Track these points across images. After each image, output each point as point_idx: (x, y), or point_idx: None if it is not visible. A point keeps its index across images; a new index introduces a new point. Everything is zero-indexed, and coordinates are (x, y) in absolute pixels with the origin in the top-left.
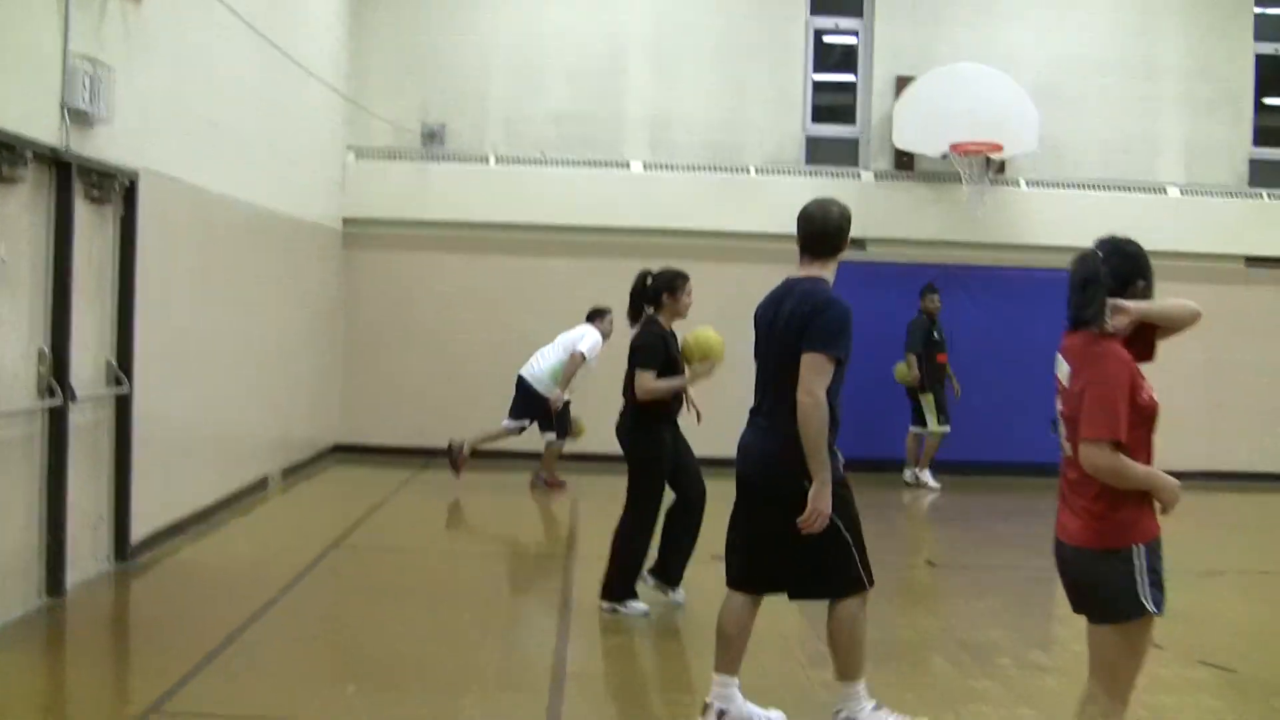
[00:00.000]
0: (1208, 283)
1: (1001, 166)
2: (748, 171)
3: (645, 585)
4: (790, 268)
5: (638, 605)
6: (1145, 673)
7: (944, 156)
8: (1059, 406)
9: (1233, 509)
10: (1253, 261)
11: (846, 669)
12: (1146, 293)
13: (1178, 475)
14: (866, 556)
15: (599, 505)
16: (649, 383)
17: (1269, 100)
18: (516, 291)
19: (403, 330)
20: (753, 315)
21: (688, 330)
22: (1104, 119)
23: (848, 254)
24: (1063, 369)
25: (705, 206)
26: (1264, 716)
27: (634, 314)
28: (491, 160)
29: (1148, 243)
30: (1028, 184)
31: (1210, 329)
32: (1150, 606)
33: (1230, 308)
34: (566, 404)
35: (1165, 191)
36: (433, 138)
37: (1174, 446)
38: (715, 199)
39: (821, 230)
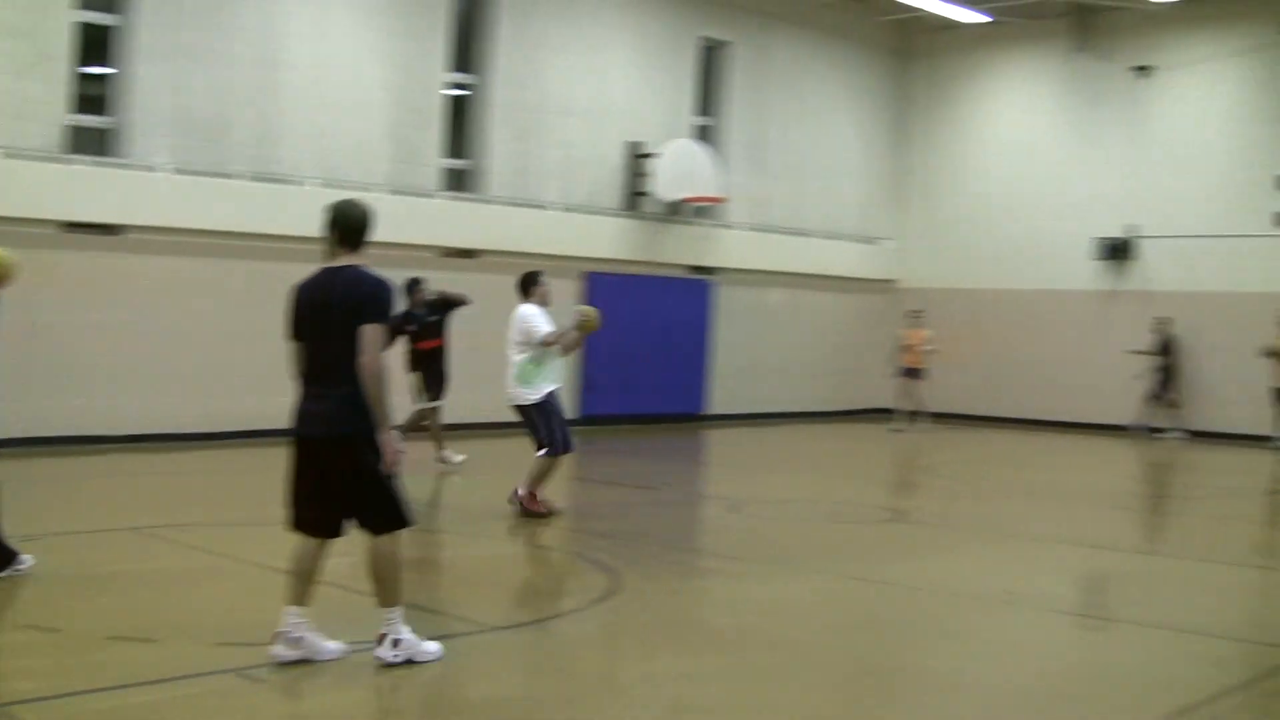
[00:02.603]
0: (22, 247)
1: None
2: None
3: None
4: None
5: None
6: None
7: None
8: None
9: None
10: (71, 227)
11: (391, 596)
12: None
13: None
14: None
15: None
16: None
17: (88, 69)
18: None
19: None
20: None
21: None
22: None
23: None
24: None
25: None
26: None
27: None
28: None
29: None
30: None
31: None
32: None
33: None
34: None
35: None
36: None
37: None
38: None
39: (360, 225)
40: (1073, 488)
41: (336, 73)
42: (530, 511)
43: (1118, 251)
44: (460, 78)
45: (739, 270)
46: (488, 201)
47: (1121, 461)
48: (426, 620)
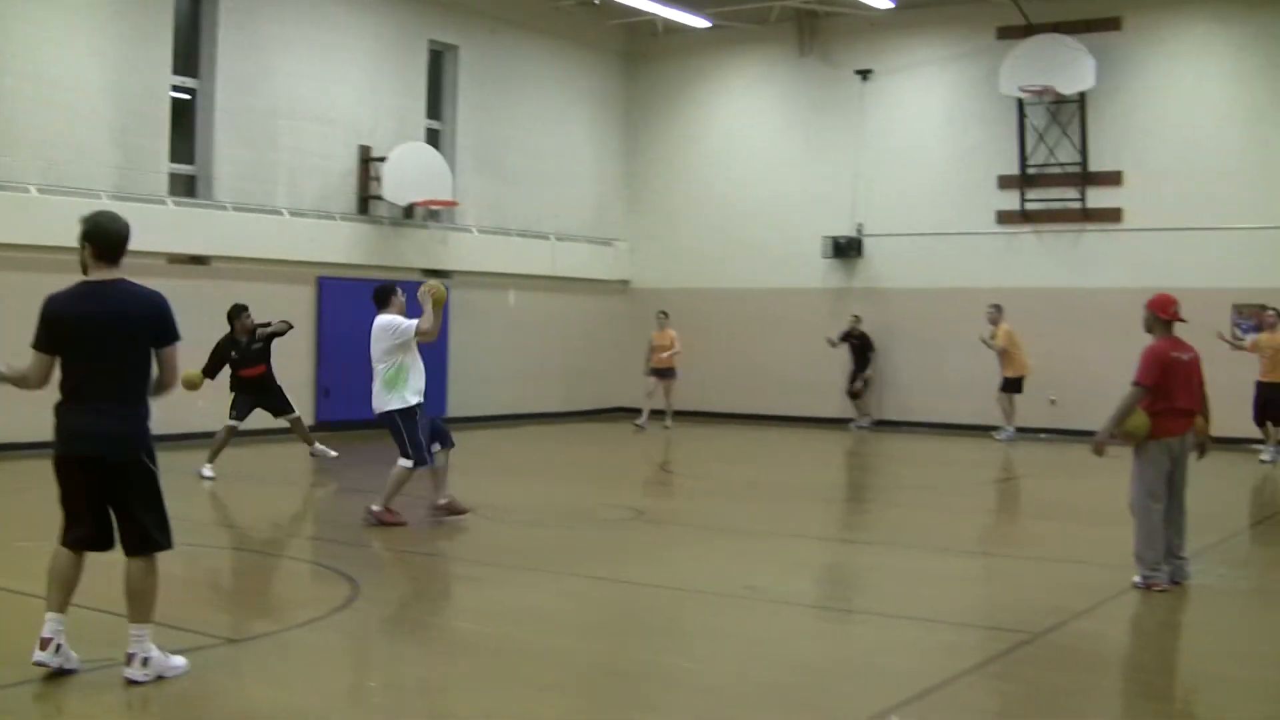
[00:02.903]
0: None
1: None
2: None
3: None
4: None
5: None
6: None
7: None
8: None
9: None
10: None
11: (145, 613)
12: None
13: None
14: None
15: None
16: None
17: None
18: None
19: None
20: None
21: None
22: None
23: None
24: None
25: None
26: None
27: None
28: None
29: None
30: None
31: None
32: None
33: None
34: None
35: None
36: None
37: None
38: None
39: (121, 239)
40: (807, 482)
41: (58, 77)
42: (385, 523)
43: (846, 250)
44: (186, 81)
45: (474, 273)
46: (217, 207)
47: (851, 455)
48: (168, 635)
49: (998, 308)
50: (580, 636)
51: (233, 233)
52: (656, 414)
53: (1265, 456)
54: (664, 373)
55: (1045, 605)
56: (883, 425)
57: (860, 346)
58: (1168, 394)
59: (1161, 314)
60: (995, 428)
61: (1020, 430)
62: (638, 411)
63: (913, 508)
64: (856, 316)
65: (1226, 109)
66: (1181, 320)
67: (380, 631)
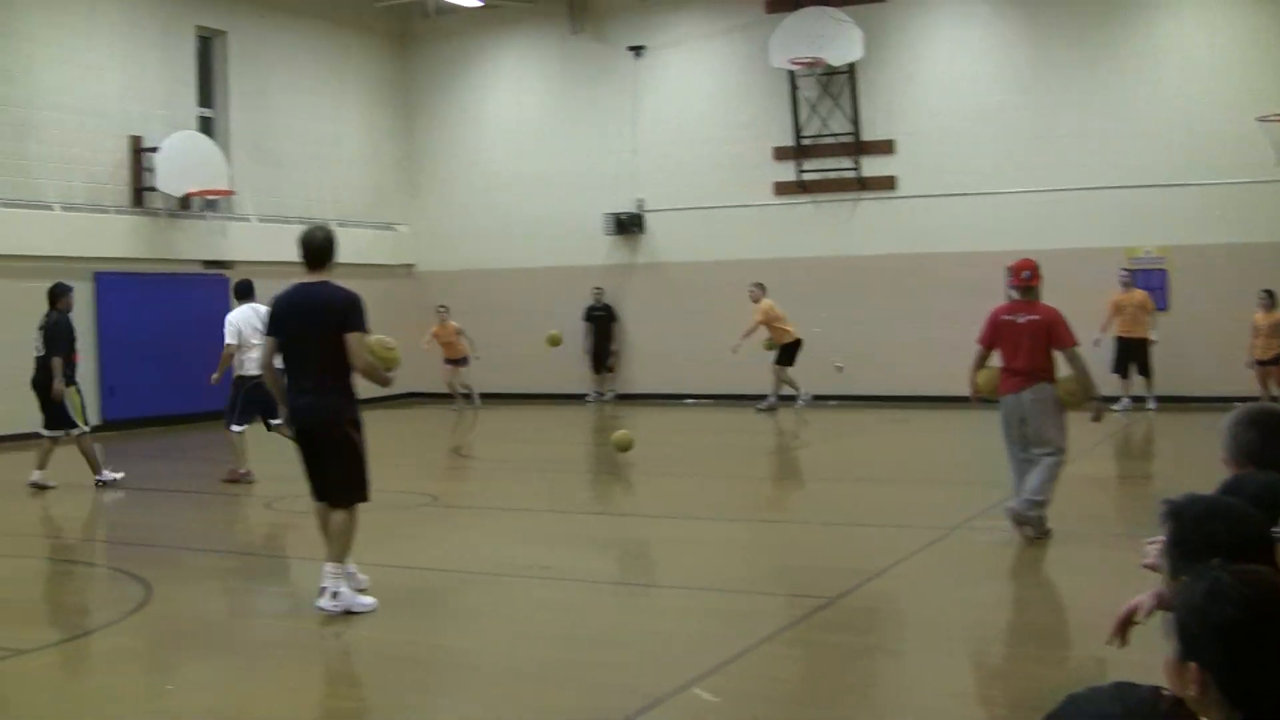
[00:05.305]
0: None
1: None
2: None
3: None
4: None
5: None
6: None
7: None
8: None
9: None
10: None
11: (341, 553)
12: None
13: None
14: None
15: None
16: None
17: None
18: None
19: None
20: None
21: None
22: None
23: None
24: None
25: None
26: None
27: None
28: None
29: None
30: None
31: None
32: None
33: None
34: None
35: None
36: None
37: None
38: None
39: (322, 248)
40: (592, 459)
41: None
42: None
43: (628, 226)
44: None
45: (254, 263)
46: None
47: (633, 429)
48: None
49: (761, 286)
50: (370, 626)
51: (1, 230)
52: (466, 399)
53: (1117, 408)
54: (455, 361)
55: (841, 568)
56: (631, 399)
57: (604, 319)
58: (1001, 354)
59: (1011, 279)
60: (763, 397)
61: (816, 398)
62: (428, 396)
63: (698, 477)
64: (598, 289)
65: (991, 76)
66: (1026, 285)
67: (174, 632)
